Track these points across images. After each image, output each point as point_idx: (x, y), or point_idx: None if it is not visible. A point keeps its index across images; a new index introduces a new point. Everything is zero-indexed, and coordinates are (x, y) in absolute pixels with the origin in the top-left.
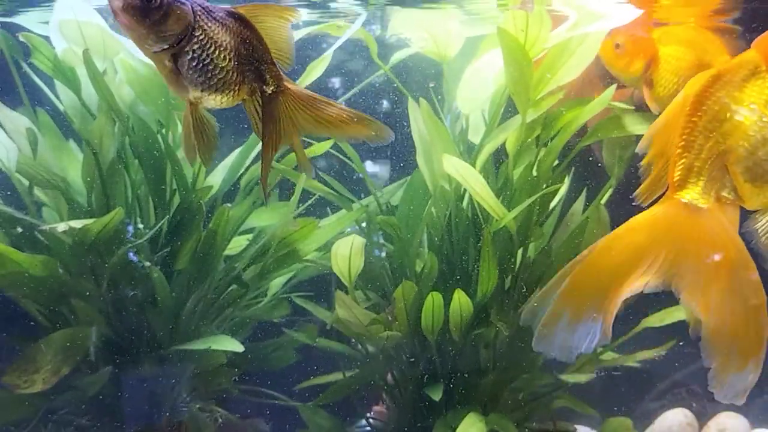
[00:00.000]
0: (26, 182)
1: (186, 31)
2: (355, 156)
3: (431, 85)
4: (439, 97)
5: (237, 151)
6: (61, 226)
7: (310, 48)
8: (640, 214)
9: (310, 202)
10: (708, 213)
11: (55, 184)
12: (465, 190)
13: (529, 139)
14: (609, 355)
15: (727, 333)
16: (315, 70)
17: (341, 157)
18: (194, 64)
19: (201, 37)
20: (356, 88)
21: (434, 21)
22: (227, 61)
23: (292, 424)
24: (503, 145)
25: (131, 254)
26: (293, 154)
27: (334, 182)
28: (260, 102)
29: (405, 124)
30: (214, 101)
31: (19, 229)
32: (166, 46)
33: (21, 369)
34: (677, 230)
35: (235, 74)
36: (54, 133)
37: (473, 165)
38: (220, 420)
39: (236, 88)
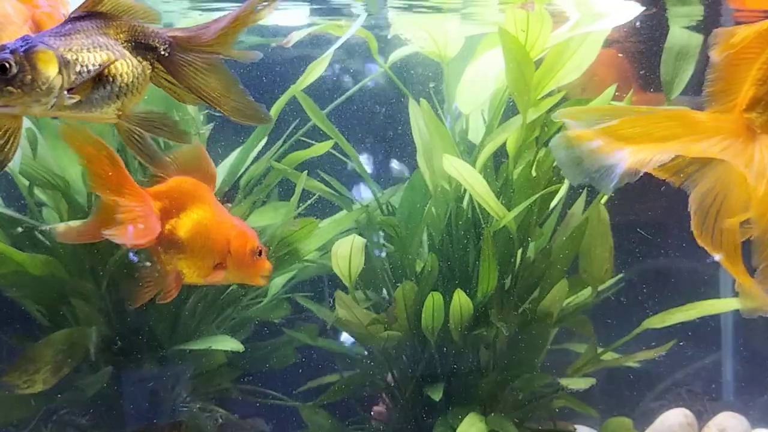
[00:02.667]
0: (26, 182)
1: (60, 65)
2: (354, 155)
3: (431, 85)
4: (439, 96)
5: (237, 150)
6: (62, 226)
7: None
8: (704, 112)
9: (310, 202)
10: (765, 139)
11: (55, 184)
12: (465, 190)
13: (530, 140)
14: (609, 355)
15: None
16: (315, 70)
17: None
18: (96, 83)
19: (76, 58)
20: (356, 87)
21: (434, 21)
22: (115, 56)
23: (292, 424)
24: (503, 145)
25: (131, 254)
26: (293, 154)
27: (335, 182)
28: (164, 68)
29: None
30: (135, 98)
31: (20, 229)
32: (56, 94)
33: (21, 369)
34: (734, 136)
35: (129, 60)
36: (54, 133)
37: (473, 165)
38: (220, 420)
39: (138, 70)
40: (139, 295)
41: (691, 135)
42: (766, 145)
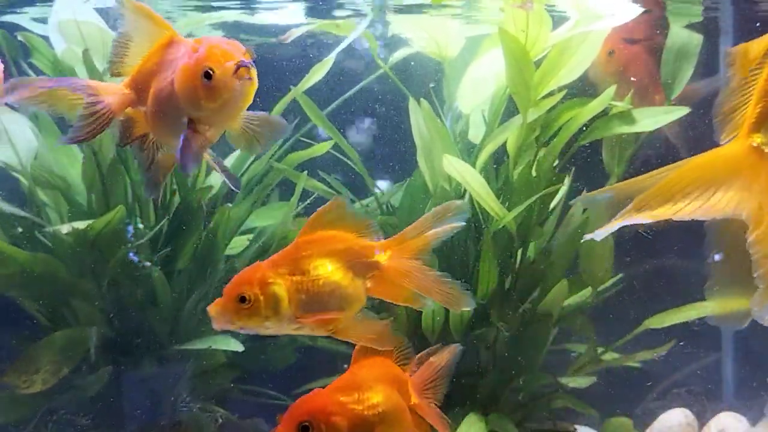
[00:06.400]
0: (27, 182)
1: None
2: (354, 155)
3: (431, 85)
4: (440, 96)
5: (237, 151)
6: (65, 228)
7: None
8: (710, 152)
9: (308, 201)
10: None
11: (55, 184)
12: (465, 190)
13: (530, 140)
14: (609, 355)
15: None
16: (318, 72)
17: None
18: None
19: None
20: (356, 88)
21: (434, 22)
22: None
23: None
24: (503, 145)
25: (132, 254)
26: (293, 154)
27: (334, 182)
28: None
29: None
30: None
31: (20, 229)
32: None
33: (21, 369)
34: (743, 170)
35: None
36: (54, 133)
37: (473, 165)
38: (220, 420)
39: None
40: None
41: (698, 189)
42: None
